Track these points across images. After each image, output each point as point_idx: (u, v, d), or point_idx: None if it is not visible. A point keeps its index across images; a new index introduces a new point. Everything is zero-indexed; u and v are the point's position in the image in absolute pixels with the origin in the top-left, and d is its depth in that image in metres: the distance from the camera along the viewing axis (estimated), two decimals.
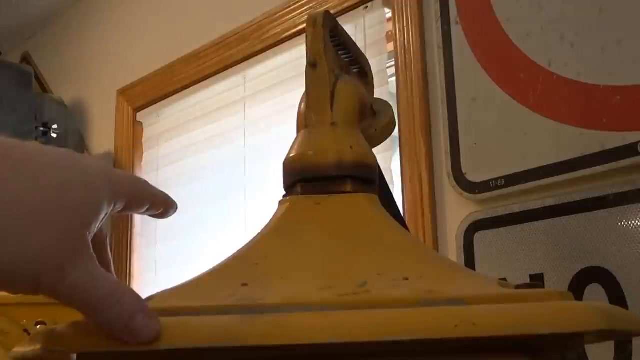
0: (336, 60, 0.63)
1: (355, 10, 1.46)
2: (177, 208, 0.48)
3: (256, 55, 1.67)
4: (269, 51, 1.64)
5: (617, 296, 0.96)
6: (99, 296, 0.38)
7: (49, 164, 0.38)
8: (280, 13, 1.60)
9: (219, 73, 1.76)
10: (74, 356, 0.43)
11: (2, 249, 0.35)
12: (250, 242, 0.55)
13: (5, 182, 0.36)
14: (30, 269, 0.36)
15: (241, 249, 0.54)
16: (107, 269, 0.45)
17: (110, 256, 0.46)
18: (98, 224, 0.40)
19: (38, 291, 0.37)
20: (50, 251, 0.36)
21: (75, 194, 0.38)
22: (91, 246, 0.39)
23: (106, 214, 0.41)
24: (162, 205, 0.47)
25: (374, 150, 0.62)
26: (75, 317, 0.40)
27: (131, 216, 1.90)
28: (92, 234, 0.39)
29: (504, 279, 0.52)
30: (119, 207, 0.42)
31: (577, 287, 0.99)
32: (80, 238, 0.38)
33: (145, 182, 0.46)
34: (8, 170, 0.37)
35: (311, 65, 0.60)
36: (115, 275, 0.45)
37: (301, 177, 0.58)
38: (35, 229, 0.36)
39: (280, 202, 0.59)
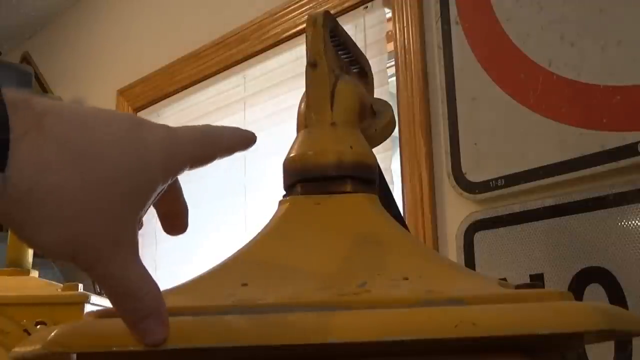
0: (336, 60, 0.63)
1: (355, 10, 1.46)
2: (253, 141, 0.46)
3: (256, 55, 1.67)
4: (269, 51, 1.64)
5: (617, 296, 0.96)
6: (124, 289, 0.38)
7: (105, 145, 0.37)
8: (280, 13, 1.60)
9: (219, 73, 1.76)
10: (74, 356, 0.43)
11: (40, 231, 0.36)
12: (250, 242, 0.55)
13: (58, 167, 0.36)
14: (67, 250, 0.37)
15: (241, 249, 0.54)
16: (178, 197, 0.45)
17: (181, 192, 0.46)
18: (149, 205, 0.40)
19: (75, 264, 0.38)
20: (91, 237, 0.37)
21: (127, 181, 0.38)
22: (136, 234, 0.39)
23: (160, 191, 0.41)
24: (233, 151, 0.45)
25: (374, 150, 0.62)
26: (75, 317, 0.40)
27: None
28: (141, 218, 0.40)
29: (504, 279, 0.52)
30: (180, 174, 0.42)
31: (577, 287, 0.99)
32: (126, 229, 0.38)
33: (213, 135, 0.44)
34: (64, 157, 0.36)
35: (311, 65, 0.60)
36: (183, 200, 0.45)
37: (301, 177, 0.58)
38: (80, 214, 0.36)
39: (280, 202, 0.59)
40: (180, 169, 0.41)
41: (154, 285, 0.40)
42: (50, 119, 0.36)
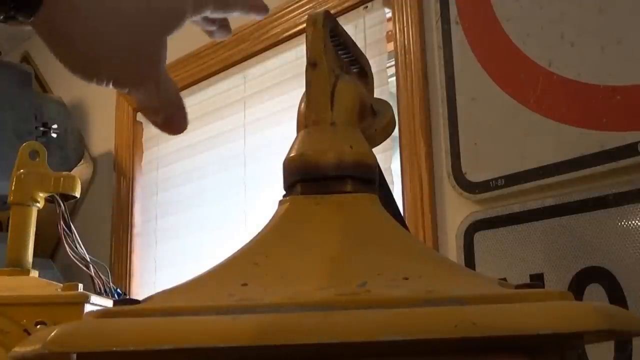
0: (336, 60, 0.63)
1: (355, 10, 1.46)
2: (266, 11, 0.56)
3: (256, 55, 1.67)
4: (268, 51, 1.64)
5: (617, 296, 0.96)
6: (172, 91, 0.50)
7: None
8: (280, 13, 1.60)
9: (219, 73, 1.76)
10: (74, 356, 0.43)
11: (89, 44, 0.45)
12: (250, 241, 0.55)
13: None
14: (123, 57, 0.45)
15: (241, 248, 0.54)
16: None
17: None
18: (179, 27, 0.48)
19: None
20: (141, 49, 0.45)
21: (166, 8, 0.46)
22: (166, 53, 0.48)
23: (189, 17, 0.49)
24: (249, 10, 0.54)
25: (374, 150, 0.62)
26: (75, 317, 0.40)
27: (131, 216, 1.90)
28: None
29: (504, 279, 0.52)
30: (206, 12, 0.50)
31: (577, 287, 0.99)
32: (162, 43, 0.47)
33: None
34: None
35: (311, 65, 0.60)
36: None
37: (301, 177, 0.58)
38: (126, 32, 0.44)
39: (280, 202, 0.59)
40: (205, 7, 0.50)
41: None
42: None
